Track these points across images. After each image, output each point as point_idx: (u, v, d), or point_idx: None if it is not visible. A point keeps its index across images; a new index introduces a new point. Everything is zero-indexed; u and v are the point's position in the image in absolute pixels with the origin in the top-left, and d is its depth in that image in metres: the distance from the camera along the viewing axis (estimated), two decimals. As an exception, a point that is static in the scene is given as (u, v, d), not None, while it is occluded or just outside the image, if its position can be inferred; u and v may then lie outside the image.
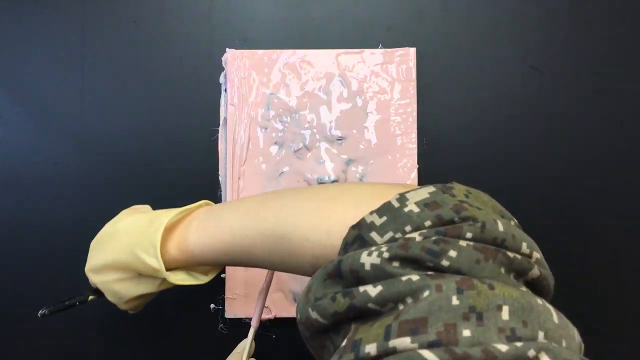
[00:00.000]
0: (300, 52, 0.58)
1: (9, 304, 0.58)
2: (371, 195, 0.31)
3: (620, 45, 0.59)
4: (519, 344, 0.21)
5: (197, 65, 0.59)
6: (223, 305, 0.57)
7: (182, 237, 0.40)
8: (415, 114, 0.57)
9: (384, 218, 0.27)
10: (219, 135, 0.58)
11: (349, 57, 0.58)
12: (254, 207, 0.37)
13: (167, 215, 0.41)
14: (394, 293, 0.24)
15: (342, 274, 0.27)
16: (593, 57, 0.58)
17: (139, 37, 0.59)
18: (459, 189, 0.29)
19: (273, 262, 0.36)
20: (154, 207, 0.59)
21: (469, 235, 0.26)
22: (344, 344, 0.25)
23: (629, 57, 0.58)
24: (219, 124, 0.58)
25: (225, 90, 0.58)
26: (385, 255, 0.25)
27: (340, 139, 0.57)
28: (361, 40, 0.59)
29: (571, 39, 0.59)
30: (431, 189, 0.28)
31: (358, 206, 0.30)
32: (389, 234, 0.27)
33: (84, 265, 0.47)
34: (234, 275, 0.57)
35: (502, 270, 0.25)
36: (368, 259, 0.26)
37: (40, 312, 0.45)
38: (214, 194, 0.58)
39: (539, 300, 0.24)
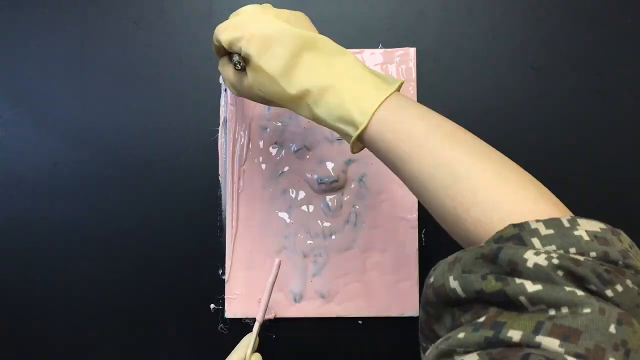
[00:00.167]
0: (300, 52, 0.58)
1: (9, 304, 0.58)
2: (550, 199, 0.32)
3: (620, 45, 0.59)
4: None
5: (197, 65, 0.59)
6: (223, 305, 0.57)
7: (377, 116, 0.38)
8: (415, 114, 0.57)
9: (551, 231, 0.28)
10: (219, 135, 0.58)
11: (349, 57, 0.58)
12: (444, 128, 0.36)
13: (392, 81, 0.40)
14: (553, 298, 0.25)
15: (498, 260, 0.27)
16: (593, 57, 0.58)
17: (139, 37, 0.59)
18: (625, 237, 0.30)
19: (424, 187, 0.35)
20: (154, 207, 0.59)
21: (629, 282, 0.26)
22: (481, 320, 0.26)
23: (629, 57, 0.58)
24: (219, 124, 0.58)
25: (225, 90, 0.58)
26: (555, 261, 0.26)
27: (340, 139, 0.57)
28: (361, 40, 0.59)
29: (571, 39, 0.59)
30: (602, 225, 0.29)
31: (537, 202, 0.31)
32: (552, 247, 0.27)
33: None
34: (234, 276, 0.57)
35: None
36: (534, 257, 0.26)
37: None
38: (214, 194, 0.58)
39: None
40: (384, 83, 0.39)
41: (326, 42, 0.41)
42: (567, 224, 0.28)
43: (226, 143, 0.58)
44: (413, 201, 0.57)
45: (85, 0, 0.59)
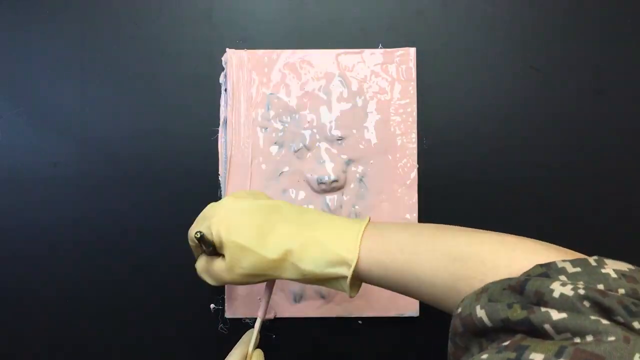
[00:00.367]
0: (300, 52, 0.58)
1: (9, 304, 0.58)
2: (561, 250, 0.33)
3: (620, 45, 0.59)
4: None
5: (197, 65, 0.59)
6: (223, 305, 0.57)
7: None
8: (415, 114, 0.57)
9: (578, 269, 0.28)
10: (219, 135, 0.58)
11: (349, 57, 0.58)
12: (427, 229, 0.38)
13: (356, 221, 0.41)
14: (577, 326, 0.25)
15: (524, 291, 0.28)
16: (593, 57, 0.58)
17: (139, 37, 0.59)
18: None
19: (433, 284, 0.36)
20: (154, 207, 0.59)
21: None
22: (506, 344, 0.26)
23: (628, 57, 0.58)
24: (219, 124, 0.58)
25: (225, 90, 0.58)
26: (581, 292, 0.26)
27: (340, 139, 0.57)
28: (361, 40, 0.59)
29: (571, 39, 0.59)
30: (630, 266, 0.29)
31: (548, 250, 0.32)
32: (580, 284, 0.27)
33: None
34: (234, 275, 0.57)
35: None
36: (560, 288, 0.27)
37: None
38: (214, 194, 0.58)
39: None
40: (354, 221, 0.41)
41: (288, 205, 0.43)
42: (594, 263, 0.29)
43: (226, 143, 0.58)
44: (413, 201, 0.57)
45: (85, 1, 0.59)
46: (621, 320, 0.25)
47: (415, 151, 0.57)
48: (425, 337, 0.57)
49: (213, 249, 0.43)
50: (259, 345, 0.51)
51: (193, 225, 0.45)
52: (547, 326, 0.26)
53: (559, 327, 0.25)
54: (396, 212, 0.57)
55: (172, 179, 0.58)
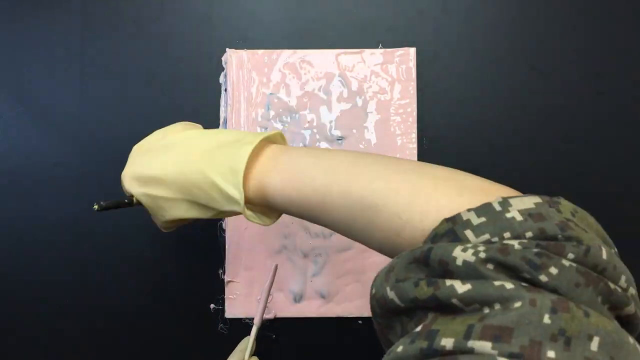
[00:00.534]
0: (300, 52, 0.58)
1: (9, 304, 0.58)
2: (475, 188, 0.30)
3: (620, 45, 0.58)
4: None
5: (197, 65, 0.59)
6: (223, 305, 0.57)
7: (262, 173, 0.36)
8: (415, 114, 0.57)
9: (482, 219, 0.27)
10: (219, 135, 0.58)
11: (349, 57, 0.58)
12: (343, 166, 0.34)
13: (251, 140, 0.36)
14: (483, 295, 0.24)
15: (429, 262, 0.26)
16: (593, 57, 0.58)
17: (139, 37, 0.59)
18: (565, 205, 0.28)
19: (349, 228, 0.34)
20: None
21: (570, 256, 0.25)
22: (418, 329, 0.25)
23: (629, 57, 0.58)
24: (219, 124, 0.58)
25: (225, 90, 0.58)
26: (482, 255, 0.25)
27: (340, 139, 0.57)
28: (361, 40, 0.59)
29: (571, 39, 0.59)
30: (537, 199, 0.27)
31: (460, 194, 0.29)
32: (485, 236, 0.26)
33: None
34: (234, 276, 0.57)
35: (600, 299, 0.25)
36: (462, 254, 0.25)
37: (95, 204, 0.42)
38: (214, 194, 0.58)
39: (631, 339, 0.24)
40: (251, 140, 0.37)
41: (184, 135, 0.41)
42: (498, 207, 0.27)
43: (226, 143, 0.58)
44: (413, 201, 0.57)
45: (85, 0, 0.59)
46: (527, 276, 0.24)
47: (415, 151, 0.57)
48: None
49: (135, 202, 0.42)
50: (256, 352, 0.51)
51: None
52: (454, 300, 0.24)
53: (466, 300, 0.24)
54: (396, 212, 0.57)
55: (172, 179, 0.58)
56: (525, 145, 0.58)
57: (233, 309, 0.57)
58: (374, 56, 0.58)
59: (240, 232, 0.57)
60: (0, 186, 0.58)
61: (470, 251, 0.25)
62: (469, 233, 0.26)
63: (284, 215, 0.41)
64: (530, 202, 0.27)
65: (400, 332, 0.28)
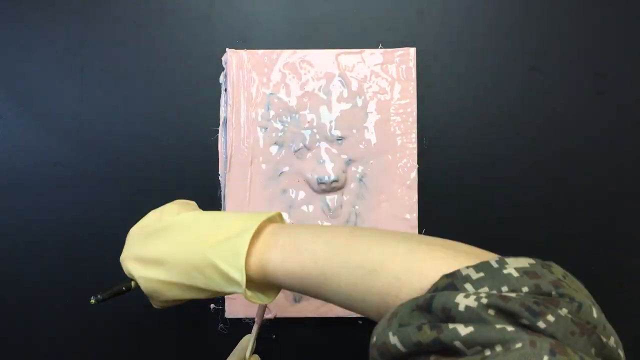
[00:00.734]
0: (300, 52, 0.58)
1: (9, 304, 0.58)
2: (470, 252, 0.32)
3: (620, 45, 0.59)
4: None
5: (197, 65, 0.59)
6: (223, 305, 0.57)
7: (262, 251, 0.37)
8: (415, 114, 0.57)
9: (481, 274, 0.28)
10: (219, 135, 0.58)
11: (349, 57, 0.58)
12: (342, 238, 0.36)
13: (252, 221, 0.38)
14: (485, 338, 0.25)
15: (432, 309, 0.28)
16: (593, 57, 0.58)
17: (139, 37, 0.59)
18: (556, 269, 0.30)
19: (349, 297, 0.35)
20: (154, 207, 0.59)
21: (564, 310, 0.26)
22: None
23: (629, 57, 0.58)
24: (219, 124, 0.58)
25: (225, 90, 0.58)
26: (484, 301, 0.26)
27: (340, 138, 0.57)
28: (361, 40, 0.59)
29: (571, 39, 0.59)
30: (531, 260, 0.29)
31: (456, 257, 0.31)
32: (484, 289, 0.27)
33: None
34: (234, 275, 0.57)
35: (593, 351, 0.26)
36: (464, 300, 0.26)
37: (92, 299, 0.42)
38: (214, 194, 0.58)
39: None
40: (251, 224, 0.38)
41: (181, 220, 0.41)
42: (495, 265, 0.28)
43: (226, 143, 0.58)
44: (413, 201, 0.57)
45: (85, 1, 0.59)
46: (526, 322, 0.25)
47: (415, 151, 0.57)
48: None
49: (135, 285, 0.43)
50: (257, 350, 0.51)
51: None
52: (457, 343, 0.25)
53: (468, 342, 0.25)
54: (396, 212, 0.57)
55: (172, 179, 0.58)
56: (525, 145, 0.58)
57: (233, 309, 0.57)
58: (374, 56, 0.58)
59: (240, 232, 0.57)
60: (0, 186, 0.58)
61: (472, 297, 0.26)
62: (468, 286, 0.28)
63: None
64: (525, 262, 0.29)
65: None
